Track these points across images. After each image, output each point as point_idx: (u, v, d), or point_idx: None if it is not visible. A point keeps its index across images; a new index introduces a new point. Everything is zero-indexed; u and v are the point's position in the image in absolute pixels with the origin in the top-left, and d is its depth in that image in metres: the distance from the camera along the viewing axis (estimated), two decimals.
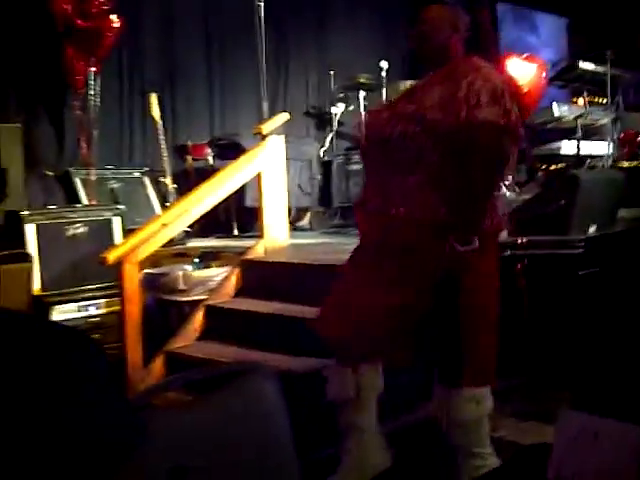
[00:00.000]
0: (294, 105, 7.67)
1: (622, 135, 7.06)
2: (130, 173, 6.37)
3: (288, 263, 4.47)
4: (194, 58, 7.36)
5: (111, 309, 4.89)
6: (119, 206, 5.53)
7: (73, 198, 5.94)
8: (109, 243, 4.88)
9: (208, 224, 5.99)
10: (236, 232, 6.40)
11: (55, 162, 6.18)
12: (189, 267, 4.81)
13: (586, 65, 6.94)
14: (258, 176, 4.68)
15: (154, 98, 6.16)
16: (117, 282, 4.16)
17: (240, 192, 5.57)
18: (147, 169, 6.49)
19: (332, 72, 7.41)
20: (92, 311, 4.97)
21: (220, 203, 4.85)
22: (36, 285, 4.82)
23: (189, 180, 6.44)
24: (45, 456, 0.94)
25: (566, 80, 7.26)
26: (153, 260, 4.74)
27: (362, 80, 6.84)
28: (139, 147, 6.88)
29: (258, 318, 4.12)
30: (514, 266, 4.29)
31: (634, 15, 7.18)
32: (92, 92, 5.66)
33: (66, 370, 1.01)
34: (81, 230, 5.13)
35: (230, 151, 6.49)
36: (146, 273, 4.60)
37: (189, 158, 6.86)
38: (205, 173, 6.00)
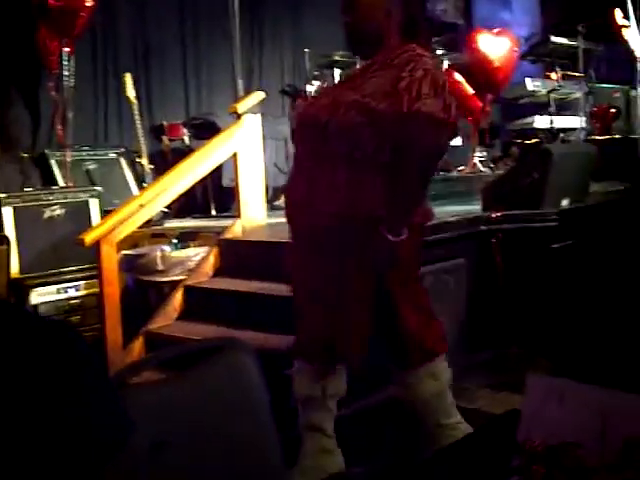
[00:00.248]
0: (269, 84, 7.65)
1: (595, 109, 7.13)
2: (106, 154, 6.34)
3: (266, 242, 4.48)
4: (168, 38, 7.32)
5: (90, 291, 4.89)
6: (96, 188, 5.52)
7: (49, 180, 5.91)
8: (87, 225, 4.87)
9: (186, 204, 6.00)
10: (214, 212, 6.40)
11: (30, 144, 6.14)
12: (167, 248, 4.81)
13: (559, 39, 6.99)
14: (234, 155, 4.68)
15: (129, 78, 6.13)
16: (95, 264, 4.17)
17: (217, 172, 5.57)
18: (123, 150, 6.46)
19: (307, 50, 7.40)
20: (71, 293, 4.98)
21: (197, 183, 4.85)
22: (14, 268, 4.82)
23: (166, 160, 6.43)
24: (38, 453, 0.94)
25: (539, 55, 7.32)
26: (131, 241, 4.74)
27: (337, 58, 6.84)
28: (115, 128, 6.84)
29: (237, 297, 4.15)
30: (489, 240, 4.35)
31: None
32: (66, 73, 5.62)
33: (60, 364, 1.00)
34: (58, 212, 5.12)
35: (206, 131, 6.48)
36: (124, 254, 4.60)
37: (165, 138, 6.84)
38: (181, 153, 5.99)
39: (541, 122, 7.01)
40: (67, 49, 5.57)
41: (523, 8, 9.93)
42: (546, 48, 7.06)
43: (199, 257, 4.59)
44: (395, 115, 2.40)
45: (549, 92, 6.87)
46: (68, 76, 5.64)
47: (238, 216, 4.74)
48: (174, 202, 4.98)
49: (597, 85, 7.30)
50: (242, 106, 4.71)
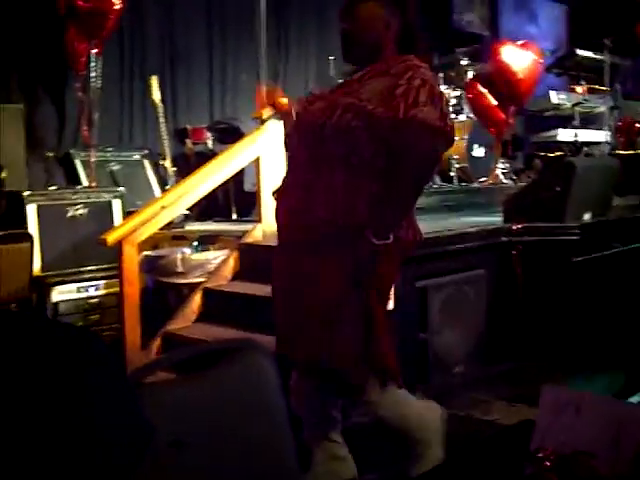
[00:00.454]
0: (294, 90, 7.67)
1: (620, 123, 7.09)
2: (130, 155, 6.40)
3: None
4: (195, 42, 7.36)
5: (110, 290, 4.93)
6: (119, 188, 5.56)
7: (74, 180, 5.97)
8: (109, 225, 4.91)
9: (207, 208, 6.02)
10: (235, 216, 6.42)
11: (56, 143, 6.20)
12: (188, 250, 4.84)
13: (585, 53, 6.98)
14: (257, 160, 4.70)
15: (155, 81, 6.17)
16: (116, 264, 4.20)
17: (239, 176, 5.60)
18: (147, 152, 6.52)
19: (332, 58, 7.41)
20: (91, 292, 5.01)
21: (219, 187, 4.88)
22: (36, 265, 4.85)
23: (189, 163, 6.46)
24: (57, 457, 0.94)
25: (564, 68, 7.30)
26: (152, 242, 4.78)
27: None
28: (139, 130, 6.89)
29: (255, 301, 4.16)
30: (509, 252, 4.34)
31: (633, 3, 7.19)
32: (93, 74, 5.66)
33: (81, 371, 1.01)
34: (81, 211, 5.17)
35: (229, 135, 6.52)
36: (145, 255, 4.63)
37: (189, 142, 6.88)
38: (204, 157, 6.02)
39: (565, 135, 6.98)
40: (95, 51, 5.61)
41: (549, 21, 9.93)
42: (572, 61, 7.05)
43: (219, 260, 4.61)
44: (391, 120, 2.38)
45: (574, 105, 6.85)
46: (95, 77, 5.68)
47: (259, 221, 4.75)
48: (196, 205, 5.00)
49: (623, 99, 7.27)
50: (266, 112, 4.73)
